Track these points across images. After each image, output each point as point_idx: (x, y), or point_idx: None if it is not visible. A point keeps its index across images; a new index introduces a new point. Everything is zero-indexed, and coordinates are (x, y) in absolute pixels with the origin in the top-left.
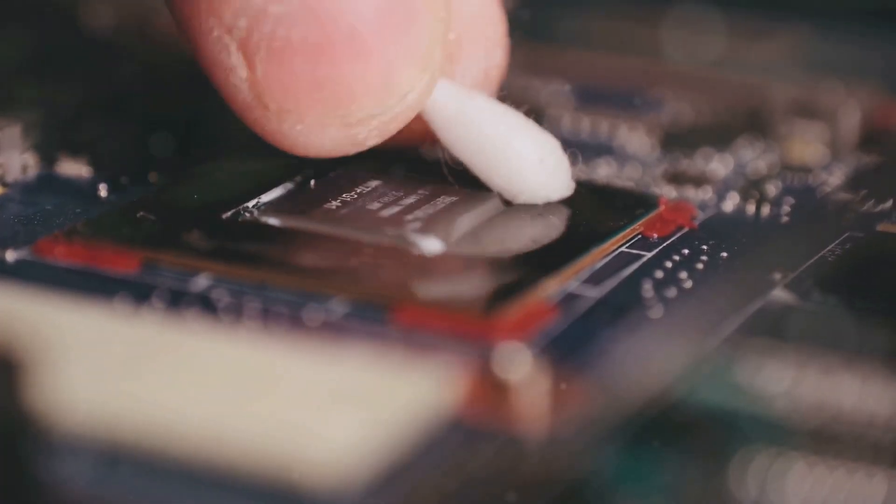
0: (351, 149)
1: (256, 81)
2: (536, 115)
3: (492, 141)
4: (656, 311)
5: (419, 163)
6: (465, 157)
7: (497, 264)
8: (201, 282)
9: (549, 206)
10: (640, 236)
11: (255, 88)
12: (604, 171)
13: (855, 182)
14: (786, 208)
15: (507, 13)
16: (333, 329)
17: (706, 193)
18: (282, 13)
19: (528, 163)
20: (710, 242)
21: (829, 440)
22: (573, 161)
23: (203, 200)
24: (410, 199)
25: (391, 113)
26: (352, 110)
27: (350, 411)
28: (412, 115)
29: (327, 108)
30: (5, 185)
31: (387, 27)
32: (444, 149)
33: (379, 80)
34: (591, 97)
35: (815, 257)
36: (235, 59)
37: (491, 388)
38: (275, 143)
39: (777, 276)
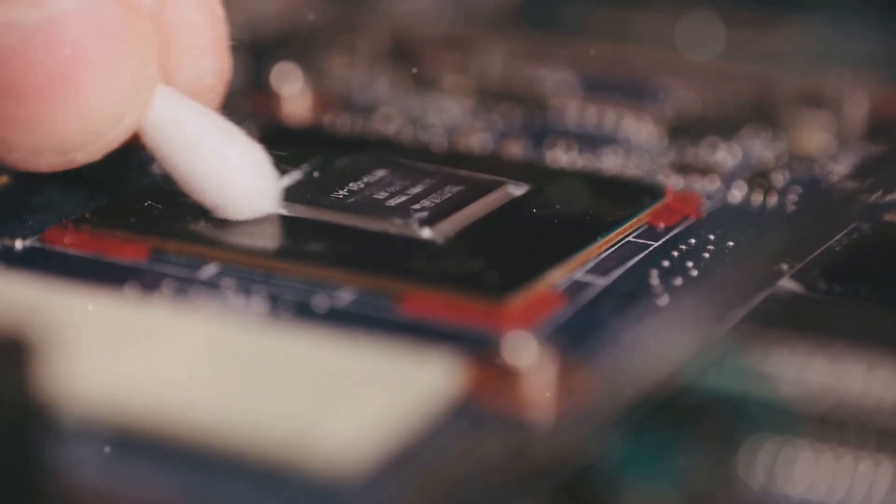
0: (73, 166)
1: None
2: (541, 104)
3: (195, 155)
4: (663, 300)
5: (426, 153)
6: (168, 165)
7: (504, 253)
8: (209, 270)
9: (556, 197)
10: (646, 226)
11: None
12: (610, 161)
13: (862, 172)
14: (792, 198)
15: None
16: (341, 317)
17: (713, 183)
18: None
19: (225, 178)
20: (717, 232)
21: (836, 427)
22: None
23: None
24: (417, 189)
25: (108, 138)
26: (64, 144)
27: (358, 399)
28: (132, 131)
29: (39, 143)
30: (11, 174)
31: (89, 63)
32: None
33: (89, 115)
34: (597, 87)
35: (822, 247)
36: None
37: (499, 375)
38: None
39: (784, 265)
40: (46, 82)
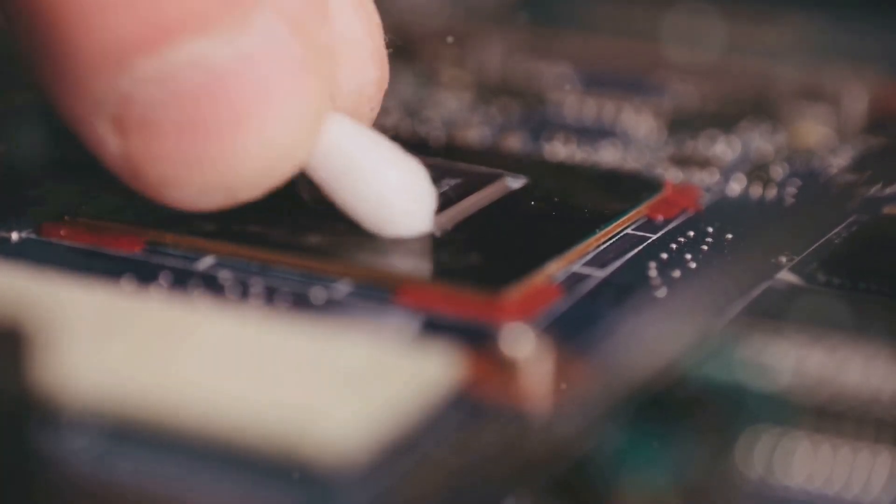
0: (235, 204)
1: (130, 156)
2: (540, 98)
3: (352, 170)
4: (661, 292)
5: (424, 146)
6: (326, 184)
7: (502, 245)
8: (206, 262)
9: (554, 189)
10: (645, 219)
11: (129, 161)
12: (609, 155)
13: (861, 165)
14: (791, 191)
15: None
16: (339, 309)
17: (712, 176)
18: (156, 98)
19: (389, 192)
20: (716, 225)
21: (834, 419)
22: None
23: None
24: None
25: (277, 177)
26: (235, 183)
27: (355, 390)
28: (300, 168)
29: (209, 182)
30: (10, 166)
31: (271, 101)
32: (302, 176)
33: (265, 155)
34: (595, 81)
35: (821, 240)
36: (105, 130)
37: (496, 367)
38: (157, 201)
39: (783, 258)
40: (229, 120)
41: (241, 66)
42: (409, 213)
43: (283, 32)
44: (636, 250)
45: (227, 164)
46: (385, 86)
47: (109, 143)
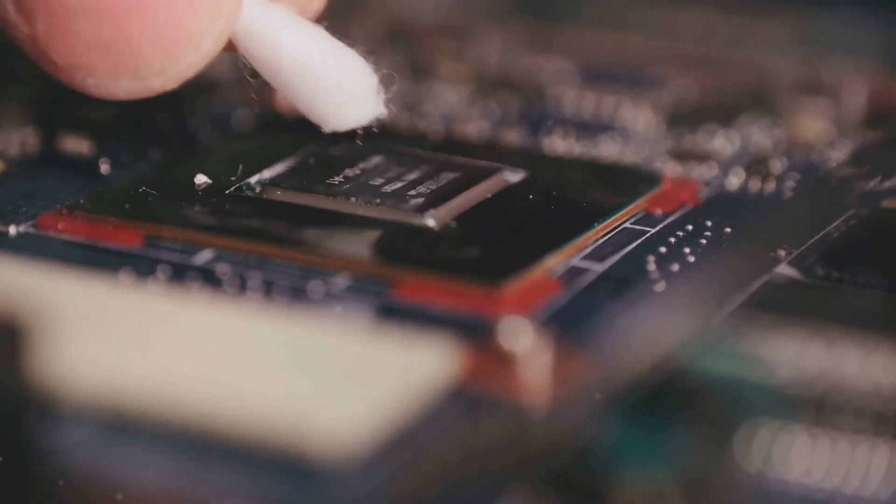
0: (149, 94)
1: (38, 39)
2: (539, 92)
3: (292, 64)
4: (660, 286)
5: (422, 140)
6: (269, 77)
7: (500, 239)
8: (204, 256)
9: (553, 183)
10: (644, 212)
11: (38, 45)
12: (608, 149)
13: (859, 159)
14: (790, 185)
15: None
16: (337, 302)
17: (711, 170)
18: None
19: (325, 87)
20: (715, 219)
21: (833, 412)
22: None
23: (205, 176)
24: (413, 175)
25: (185, 64)
26: (141, 67)
27: (354, 384)
28: (210, 60)
29: (116, 65)
30: (6, 160)
31: None
32: (244, 63)
33: (168, 36)
34: (595, 75)
35: (820, 233)
36: (14, 16)
37: (495, 360)
38: (70, 87)
39: (781, 251)
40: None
41: None
42: (352, 100)
43: None
44: (635, 244)
45: (129, 44)
46: None
47: (20, 28)
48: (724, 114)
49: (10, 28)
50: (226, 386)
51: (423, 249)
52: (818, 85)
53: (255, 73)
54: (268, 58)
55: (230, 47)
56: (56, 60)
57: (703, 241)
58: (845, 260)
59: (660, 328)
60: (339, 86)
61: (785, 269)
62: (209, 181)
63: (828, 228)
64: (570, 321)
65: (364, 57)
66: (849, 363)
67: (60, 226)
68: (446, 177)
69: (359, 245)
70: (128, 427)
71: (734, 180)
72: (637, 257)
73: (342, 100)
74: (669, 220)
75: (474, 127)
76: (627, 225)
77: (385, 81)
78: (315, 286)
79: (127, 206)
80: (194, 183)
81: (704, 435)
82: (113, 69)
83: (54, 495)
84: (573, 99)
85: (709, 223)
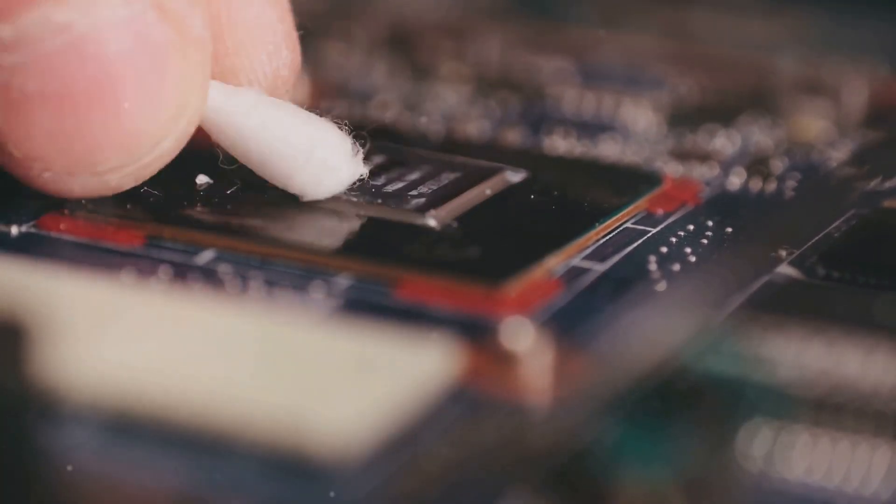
0: (105, 193)
1: None
2: (539, 92)
3: (260, 145)
4: (661, 286)
5: (423, 140)
6: (240, 156)
7: (501, 239)
8: (206, 256)
9: (554, 183)
10: (645, 212)
11: None
12: (608, 149)
13: (860, 158)
14: (791, 184)
15: None
16: (338, 302)
17: (711, 170)
18: (14, 64)
19: (295, 162)
20: (715, 219)
21: (834, 412)
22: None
23: (207, 176)
24: (414, 175)
25: (144, 161)
26: (100, 162)
27: (355, 384)
28: (170, 159)
29: (74, 160)
30: None
31: (132, 78)
32: (219, 150)
33: (127, 133)
34: (595, 75)
35: (821, 233)
36: None
37: (496, 360)
38: (26, 184)
39: (782, 252)
40: (86, 92)
41: (99, 35)
42: (325, 170)
43: (150, 15)
44: (636, 244)
45: (88, 139)
46: (298, 67)
47: None
48: (724, 113)
49: None
50: (226, 386)
51: (424, 249)
52: (819, 85)
53: (229, 160)
54: (236, 142)
55: (195, 141)
56: (13, 152)
57: (704, 241)
58: (846, 260)
59: (661, 328)
60: (309, 159)
61: (786, 269)
62: (210, 181)
63: (828, 228)
64: (571, 321)
65: (336, 123)
66: (849, 363)
67: (62, 226)
68: (447, 177)
69: (360, 245)
70: (129, 427)
71: (735, 180)
72: (638, 257)
73: (315, 171)
74: (670, 220)
75: (475, 127)
76: (628, 225)
77: (359, 142)
78: (316, 286)
79: (128, 206)
80: (196, 183)
81: (705, 435)
82: (70, 163)
83: (55, 495)
84: (573, 99)
85: (710, 223)
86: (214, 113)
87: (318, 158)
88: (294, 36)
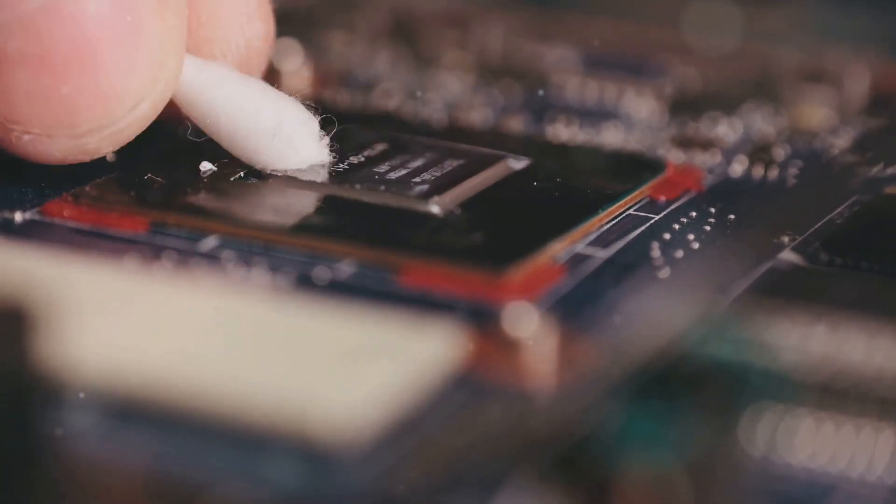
0: (83, 157)
1: None
2: (542, 80)
3: (227, 118)
4: (664, 272)
5: (426, 128)
6: (209, 129)
7: (505, 225)
8: (209, 243)
9: (557, 170)
10: (648, 199)
11: None
12: (611, 137)
13: (862, 145)
14: (793, 172)
15: None
16: (342, 289)
17: (714, 157)
18: None
19: (261, 137)
20: (718, 205)
21: (837, 396)
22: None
23: (210, 163)
24: (418, 162)
25: (122, 124)
26: (78, 123)
27: (359, 370)
28: (147, 123)
29: (53, 121)
30: None
31: (110, 39)
32: (189, 123)
33: (105, 94)
34: (598, 63)
35: (823, 220)
36: None
37: (499, 346)
38: (6, 149)
39: (785, 238)
40: (64, 52)
41: None
42: (289, 148)
43: None
44: (639, 230)
45: (66, 100)
46: (271, 39)
47: None
48: (726, 101)
49: None
50: (230, 372)
51: (428, 236)
52: (820, 72)
53: (197, 132)
54: (206, 116)
55: (167, 114)
56: None
57: (707, 228)
58: (848, 246)
59: (664, 314)
60: (275, 135)
61: (788, 255)
62: (214, 168)
63: (831, 215)
64: (575, 307)
65: (307, 105)
66: (852, 348)
67: (66, 213)
68: (450, 164)
69: (363, 231)
70: (133, 412)
71: (737, 167)
72: (641, 244)
73: (279, 148)
74: (673, 206)
75: (478, 114)
76: (631, 212)
77: (328, 125)
78: (320, 272)
79: (132, 192)
80: (199, 170)
81: (709, 420)
82: (49, 125)
83: (59, 481)
84: (576, 86)
85: (712, 210)
86: (186, 86)
87: (284, 135)
88: (267, 7)
